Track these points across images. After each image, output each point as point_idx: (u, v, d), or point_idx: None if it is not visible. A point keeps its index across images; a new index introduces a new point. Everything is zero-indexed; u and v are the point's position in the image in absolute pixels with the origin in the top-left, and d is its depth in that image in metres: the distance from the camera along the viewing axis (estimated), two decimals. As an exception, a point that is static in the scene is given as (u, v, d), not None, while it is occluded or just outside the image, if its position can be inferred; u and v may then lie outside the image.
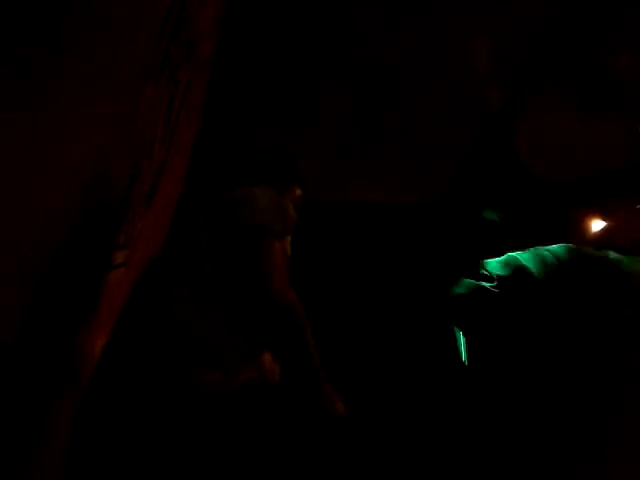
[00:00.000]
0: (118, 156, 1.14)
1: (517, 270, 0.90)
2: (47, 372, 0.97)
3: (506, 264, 0.96)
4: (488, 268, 0.97)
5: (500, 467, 0.66)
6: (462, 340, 0.91)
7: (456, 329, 0.91)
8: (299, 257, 1.34)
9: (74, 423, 0.87)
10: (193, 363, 0.81)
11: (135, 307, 0.96)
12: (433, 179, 3.55)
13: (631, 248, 0.81)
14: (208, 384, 0.78)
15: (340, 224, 3.44)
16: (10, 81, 0.82)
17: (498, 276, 0.91)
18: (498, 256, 0.99)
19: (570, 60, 2.47)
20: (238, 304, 0.91)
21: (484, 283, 0.91)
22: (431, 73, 2.75)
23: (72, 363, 1.11)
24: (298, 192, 1.39)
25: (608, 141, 2.46)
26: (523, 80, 2.69)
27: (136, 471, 0.75)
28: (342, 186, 3.54)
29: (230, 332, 0.89)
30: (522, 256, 0.97)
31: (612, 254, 0.79)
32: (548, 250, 0.96)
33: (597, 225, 2.87)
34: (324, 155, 3.28)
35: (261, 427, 0.77)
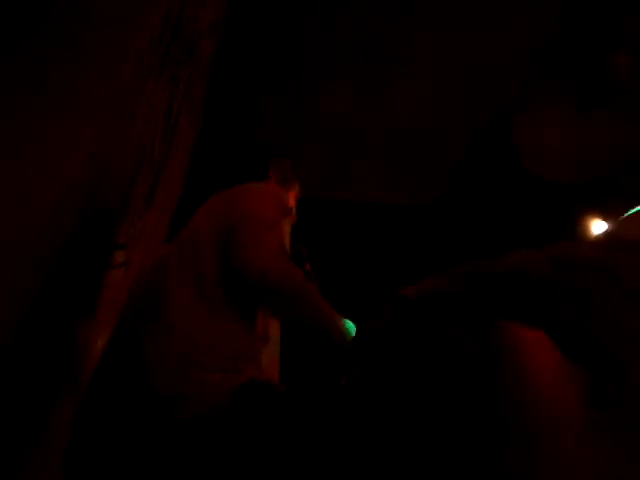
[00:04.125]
0: (118, 156, 1.15)
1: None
2: (47, 372, 0.97)
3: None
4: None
5: None
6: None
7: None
8: (299, 257, 1.34)
9: (74, 423, 0.87)
10: (193, 363, 0.81)
11: (135, 307, 0.96)
12: (432, 180, 3.55)
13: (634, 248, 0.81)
14: (209, 384, 0.78)
15: (340, 224, 3.44)
16: (10, 81, 0.82)
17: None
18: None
19: (570, 60, 2.48)
20: (239, 303, 0.91)
21: None
22: (431, 73, 2.75)
23: (72, 363, 1.11)
24: (296, 188, 1.39)
25: (608, 141, 2.47)
26: (524, 81, 2.69)
27: (136, 471, 0.75)
28: (342, 186, 3.55)
29: (230, 332, 0.89)
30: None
31: None
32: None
33: (597, 225, 2.88)
34: (324, 155, 3.28)
35: (262, 426, 0.77)
